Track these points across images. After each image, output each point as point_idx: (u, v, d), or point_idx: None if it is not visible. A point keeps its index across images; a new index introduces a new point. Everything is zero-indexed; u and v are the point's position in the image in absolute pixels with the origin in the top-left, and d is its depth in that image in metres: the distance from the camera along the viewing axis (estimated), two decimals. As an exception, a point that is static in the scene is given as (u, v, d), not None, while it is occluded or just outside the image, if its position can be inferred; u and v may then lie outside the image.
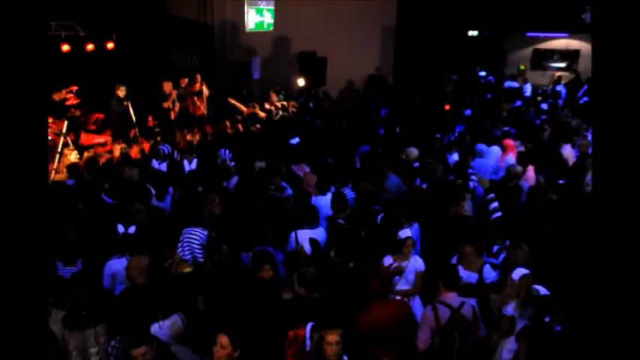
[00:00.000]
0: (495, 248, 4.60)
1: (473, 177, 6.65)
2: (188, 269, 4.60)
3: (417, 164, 7.17)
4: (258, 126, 9.85)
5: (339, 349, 3.27)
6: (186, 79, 11.05)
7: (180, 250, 4.89)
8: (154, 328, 3.73)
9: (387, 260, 4.55)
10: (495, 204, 5.50)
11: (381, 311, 3.91)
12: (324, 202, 5.72)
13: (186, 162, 7.37)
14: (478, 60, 16.77)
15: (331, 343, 3.25)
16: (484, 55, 16.98)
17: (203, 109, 11.47)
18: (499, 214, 5.39)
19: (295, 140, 8.65)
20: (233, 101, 11.54)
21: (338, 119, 10.89)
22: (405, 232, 4.58)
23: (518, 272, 3.88)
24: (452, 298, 3.90)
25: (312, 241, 4.78)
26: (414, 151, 7.68)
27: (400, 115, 11.51)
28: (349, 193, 6.01)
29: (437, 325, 3.79)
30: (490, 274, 4.45)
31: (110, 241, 4.92)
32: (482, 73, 16.14)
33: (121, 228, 4.98)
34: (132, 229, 5.01)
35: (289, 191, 6.26)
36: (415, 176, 6.50)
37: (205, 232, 4.85)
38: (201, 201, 5.55)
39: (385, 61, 15.92)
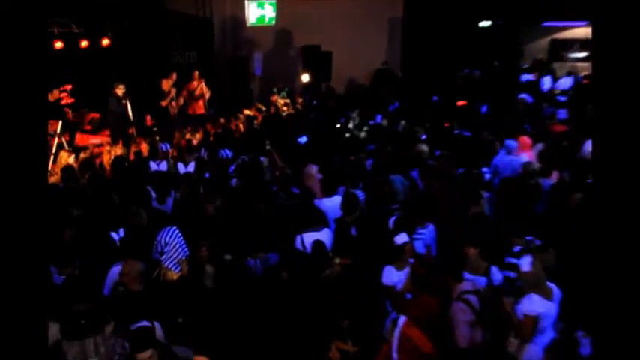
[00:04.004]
0: (517, 248, 4.55)
1: (486, 173, 6.61)
2: (176, 276, 4.56)
3: (430, 162, 7.13)
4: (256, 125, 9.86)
5: None
6: (174, 74, 11.05)
7: (171, 252, 4.79)
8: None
9: (389, 273, 4.44)
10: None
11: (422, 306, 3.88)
12: (330, 204, 5.69)
13: (181, 165, 7.33)
14: (491, 52, 16.61)
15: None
16: (498, 46, 16.81)
17: (202, 108, 11.45)
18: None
19: (303, 139, 8.65)
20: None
21: (343, 116, 10.87)
22: (402, 237, 4.51)
23: (526, 260, 3.89)
24: (467, 285, 4.01)
25: (316, 243, 4.73)
26: (423, 148, 7.62)
27: (411, 111, 11.45)
28: (360, 194, 5.95)
29: (475, 313, 3.85)
30: (498, 275, 4.44)
31: (107, 245, 4.90)
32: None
33: (115, 235, 4.98)
34: (121, 233, 4.98)
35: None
36: (429, 174, 6.46)
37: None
38: (200, 203, 5.55)
39: (393, 54, 15.88)
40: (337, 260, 4.51)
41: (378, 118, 10.83)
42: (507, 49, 16.96)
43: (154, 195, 6.05)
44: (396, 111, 11.97)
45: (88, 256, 4.85)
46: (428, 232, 5.14)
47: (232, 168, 7.19)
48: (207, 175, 6.87)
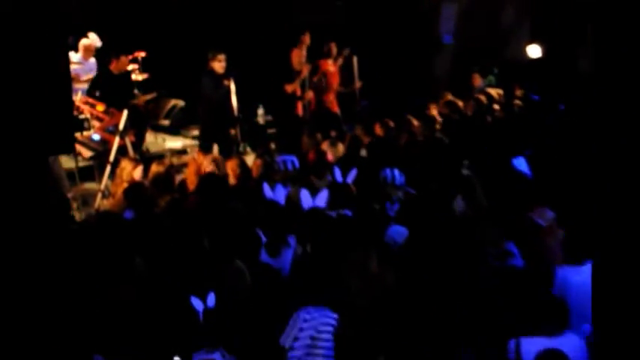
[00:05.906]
0: None
1: None
2: None
3: None
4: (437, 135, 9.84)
5: None
6: (307, 37, 11.43)
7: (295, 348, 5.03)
8: None
9: None
10: None
11: None
12: (577, 278, 5.66)
13: (305, 192, 7.37)
14: None
15: None
16: None
17: (334, 103, 11.79)
18: None
19: (522, 163, 8.53)
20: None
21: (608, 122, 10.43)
22: None
23: None
24: None
25: (549, 354, 4.67)
26: None
27: None
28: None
29: None
30: None
31: (186, 322, 5.09)
32: None
33: (198, 302, 5.13)
34: (211, 301, 5.11)
35: (518, 261, 6.20)
36: None
37: (336, 316, 5.01)
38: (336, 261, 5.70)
39: None
40: None
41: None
42: None
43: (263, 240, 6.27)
44: None
45: (150, 340, 5.08)
46: None
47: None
48: (347, 212, 6.98)
